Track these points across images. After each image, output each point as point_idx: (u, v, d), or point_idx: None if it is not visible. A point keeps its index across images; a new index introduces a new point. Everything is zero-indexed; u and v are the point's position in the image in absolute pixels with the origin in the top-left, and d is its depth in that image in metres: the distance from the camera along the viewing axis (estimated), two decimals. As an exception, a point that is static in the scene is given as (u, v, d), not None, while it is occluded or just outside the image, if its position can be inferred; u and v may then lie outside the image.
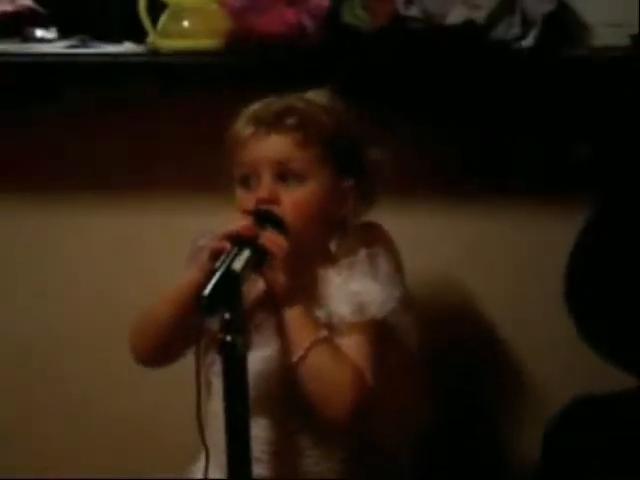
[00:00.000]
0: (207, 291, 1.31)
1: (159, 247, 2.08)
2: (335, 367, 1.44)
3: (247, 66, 1.86)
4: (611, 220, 1.82)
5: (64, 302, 2.16)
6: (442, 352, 1.93)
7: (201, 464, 1.51)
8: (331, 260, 1.55)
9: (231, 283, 1.33)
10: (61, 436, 2.21)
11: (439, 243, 2.01)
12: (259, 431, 1.50)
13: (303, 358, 1.43)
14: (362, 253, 1.52)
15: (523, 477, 1.94)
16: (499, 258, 2.02)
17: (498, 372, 2.05)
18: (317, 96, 1.57)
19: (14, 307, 2.19)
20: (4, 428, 2.21)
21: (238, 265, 1.35)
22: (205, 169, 1.90)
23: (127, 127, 2.03)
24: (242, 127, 1.53)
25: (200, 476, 1.48)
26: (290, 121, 1.50)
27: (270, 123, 1.51)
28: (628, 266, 1.79)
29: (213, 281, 1.32)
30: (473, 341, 2.04)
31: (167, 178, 2.05)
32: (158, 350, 1.55)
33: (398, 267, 1.58)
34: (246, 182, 1.52)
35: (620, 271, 1.79)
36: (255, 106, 1.55)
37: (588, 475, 1.68)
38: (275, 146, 1.50)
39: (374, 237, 1.58)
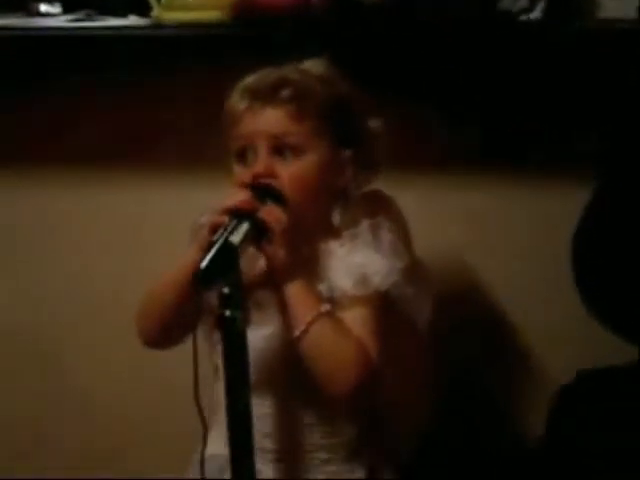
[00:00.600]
0: (203, 264, 1.30)
1: (161, 227, 2.07)
2: (338, 341, 1.43)
3: (252, 38, 1.85)
4: (616, 194, 1.81)
5: (64, 292, 2.16)
6: (445, 331, 1.92)
7: (212, 439, 1.53)
8: (333, 232, 1.53)
9: (228, 256, 1.32)
10: (61, 434, 2.22)
11: (442, 221, 2.00)
12: (264, 409, 1.52)
13: (305, 333, 1.42)
14: (364, 224, 1.51)
15: (528, 452, 1.94)
16: (502, 235, 2.01)
17: (502, 349, 2.05)
18: (313, 66, 1.55)
19: (11, 298, 2.20)
20: (3, 427, 2.22)
21: (236, 238, 1.34)
22: (209, 144, 1.90)
23: (131, 100, 2.02)
24: (237, 100, 1.51)
25: (212, 450, 1.50)
26: (285, 93, 1.48)
27: (265, 96, 1.49)
28: (633, 239, 1.79)
29: (210, 254, 1.31)
30: (476, 318, 2.03)
31: (170, 152, 2.04)
32: (163, 331, 1.53)
33: (405, 237, 1.57)
34: (242, 157, 1.51)
35: (625, 244, 1.79)
36: (249, 79, 1.53)
37: (591, 448, 1.68)
38: (270, 120, 1.48)
39: (378, 207, 1.56)
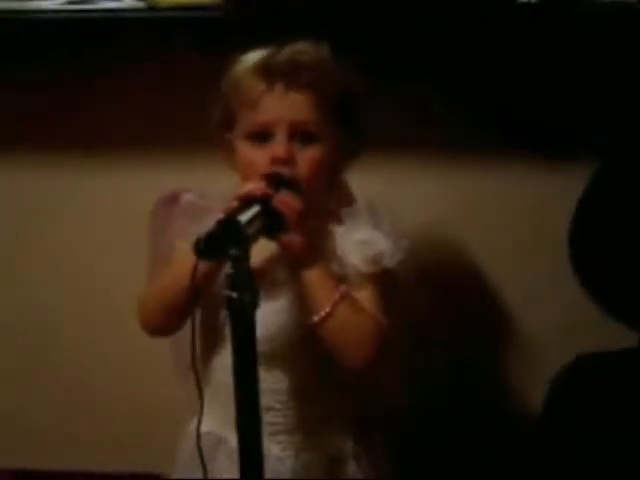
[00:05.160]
0: (204, 233, 1.28)
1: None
2: (357, 320, 1.46)
3: (247, 19, 1.84)
4: (616, 178, 1.82)
5: (64, 278, 2.17)
6: (441, 314, 1.93)
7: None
8: (330, 213, 1.53)
9: (232, 232, 1.30)
10: (61, 426, 2.23)
11: (436, 198, 2.00)
12: (268, 384, 1.52)
13: (330, 315, 1.44)
14: (360, 204, 1.52)
15: (526, 435, 1.94)
16: (501, 218, 2.02)
17: (499, 333, 2.06)
18: (314, 47, 1.52)
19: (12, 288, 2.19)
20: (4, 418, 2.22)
21: (244, 217, 1.33)
22: (206, 127, 1.89)
23: (127, 83, 2.02)
24: (251, 79, 1.49)
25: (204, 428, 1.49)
26: (306, 76, 1.46)
27: (286, 77, 1.46)
28: (632, 222, 1.79)
29: (213, 227, 1.29)
30: (472, 301, 2.04)
31: (167, 135, 2.03)
32: (171, 318, 1.52)
33: None
34: (256, 137, 1.49)
35: (624, 228, 1.80)
36: (259, 55, 1.50)
37: (589, 431, 1.69)
38: (294, 106, 1.47)
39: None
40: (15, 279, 2.19)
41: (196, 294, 1.39)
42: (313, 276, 1.44)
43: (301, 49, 1.51)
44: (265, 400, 1.48)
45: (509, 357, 2.07)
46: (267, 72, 1.48)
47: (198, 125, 1.96)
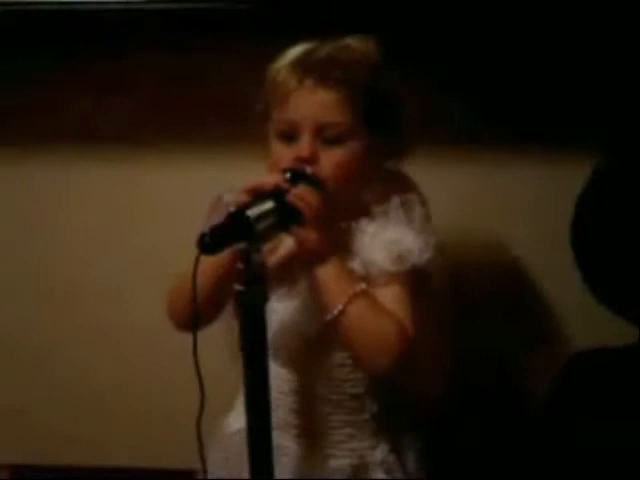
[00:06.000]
0: (208, 229, 1.27)
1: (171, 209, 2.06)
2: (375, 320, 1.44)
3: (260, 12, 1.83)
4: (618, 174, 1.83)
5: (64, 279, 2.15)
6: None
7: (234, 414, 1.56)
8: (363, 210, 1.52)
9: (239, 227, 1.30)
10: (75, 423, 2.21)
11: (436, 197, 1.97)
12: (291, 384, 1.54)
13: (342, 313, 1.42)
14: (396, 201, 1.51)
15: (525, 428, 1.94)
16: (496, 211, 2.02)
17: (495, 324, 2.06)
18: (359, 43, 1.51)
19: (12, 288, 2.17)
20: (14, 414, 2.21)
21: (252, 212, 1.32)
22: (217, 120, 1.89)
23: (130, 77, 2.00)
24: (285, 75, 1.47)
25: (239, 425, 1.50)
26: (337, 74, 1.45)
27: (316, 73, 1.45)
28: (634, 218, 1.80)
29: (219, 221, 1.29)
30: (468, 294, 2.03)
31: (175, 130, 2.02)
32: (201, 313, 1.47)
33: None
34: (284, 136, 1.48)
35: (627, 224, 1.80)
36: (297, 51, 1.49)
37: (590, 427, 1.69)
38: (320, 106, 1.45)
39: (406, 186, 1.56)
40: (15, 279, 2.17)
41: (217, 290, 1.40)
42: (328, 273, 1.43)
43: (343, 46, 1.50)
44: (289, 402, 1.54)
45: (509, 353, 2.07)
46: (300, 68, 1.47)
47: (209, 120, 1.98)
